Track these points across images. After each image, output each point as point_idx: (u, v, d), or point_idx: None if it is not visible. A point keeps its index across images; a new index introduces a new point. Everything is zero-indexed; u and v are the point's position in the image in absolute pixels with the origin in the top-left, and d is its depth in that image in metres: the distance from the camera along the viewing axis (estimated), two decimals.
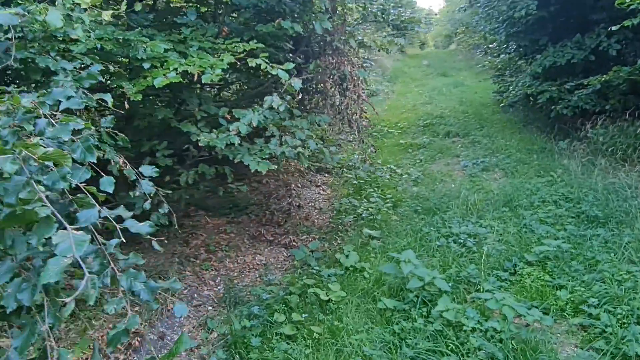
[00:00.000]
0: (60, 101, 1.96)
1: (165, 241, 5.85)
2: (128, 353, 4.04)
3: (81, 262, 1.40)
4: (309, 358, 3.92)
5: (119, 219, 2.01)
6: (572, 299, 4.24)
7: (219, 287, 5.28)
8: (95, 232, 1.85)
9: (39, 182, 1.51)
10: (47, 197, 1.66)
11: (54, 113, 1.91)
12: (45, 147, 1.65)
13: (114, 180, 1.93)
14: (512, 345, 3.61)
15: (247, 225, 6.82)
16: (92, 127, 1.94)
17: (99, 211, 1.74)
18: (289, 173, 8.91)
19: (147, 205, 3.18)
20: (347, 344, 4.00)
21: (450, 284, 4.54)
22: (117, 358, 3.85)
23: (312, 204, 8.00)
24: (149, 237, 2.12)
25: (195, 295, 5.10)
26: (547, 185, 7.31)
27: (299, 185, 8.65)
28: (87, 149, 1.80)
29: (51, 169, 1.58)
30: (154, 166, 3.33)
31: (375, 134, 12.29)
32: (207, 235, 6.25)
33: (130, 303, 4.54)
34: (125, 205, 4.36)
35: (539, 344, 3.63)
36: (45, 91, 1.98)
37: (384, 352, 3.80)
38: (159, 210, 3.39)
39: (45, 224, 1.43)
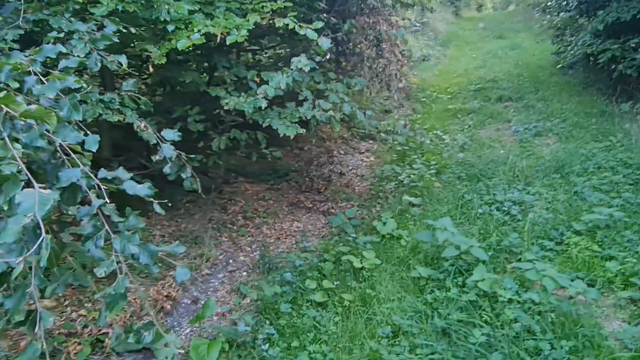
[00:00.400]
0: (54, 58, 1.90)
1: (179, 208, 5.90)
2: (160, 316, 4.10)
3: (40, 222, 1.34)
4: (338, 326, 3.85)
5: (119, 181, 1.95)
6: (622, 270, 3.94)
7: (254, 254, 5.27)
8: (89, 193, 1.80)
9: (16, 140, 1.45)
10: (35, 156, 1.61)
11: (49, 71, 1.86)
12: (30, 105, 1.59)
13: (98, 139, 1.86)
14: (551, 318, 3.39)
15: (287, 192, 6.78)
16: (83, 84, 1.88)
17: (83, 171, 1.68)
18: (331, 140, 8.77)
19: (167, 169, 3.15)
20: (377, 312, 3.90)
21: (489, 253, 4.33)
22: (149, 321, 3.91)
23: (354, 171, 7.86)
24: (150, 199, 2.06)
25: (231, 260, 5.12)
26: (605, 150, 6.84)
27: (342, 152, 8.51)
28: (73, 107, 1.73)
29: (34, 127, 1.53)
30: (176, 130, 3.28)
31: (424, 99, 11.90)
32: (246, 201, 6.24)
33: (161, 269, 4.57)
34: (159, 171, 4.35)
35: (581, 317, 3.39)
36: (37, 48, 1.93)
37: (415, 321, 3.67)
38: (182, 174, 3.34)
39: (12, 182, 1.38)
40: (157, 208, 2.09)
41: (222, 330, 3.90)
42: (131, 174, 1.98)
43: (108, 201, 1.75)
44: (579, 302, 3.59)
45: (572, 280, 3.69)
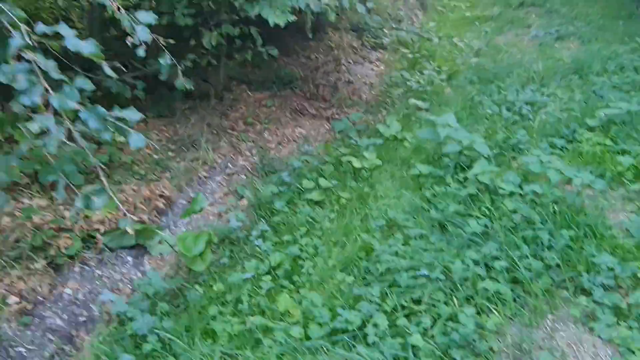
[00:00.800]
0: None
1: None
2: (153, 214, 4.04)
3: None
4: (333, 222, 3.75)
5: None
6: (635, 164, 3.70)
7: (254, 158, 5.14)
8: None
9: None
10: None
11: None
12: None
13: None
14: (554, 208, 3.22)
15: (291, 99, 6.54)
16: None
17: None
18: (340, 49, 8.38)
19: (141, 51, 2.94)
20: (374, 208, 3.77)
21: (494, 151, 4.12)
22: (141, 217, 3.86)
23: (363, 79, 7.54)
24: (100, 61, 1.88)
25: (229, 164, 5.01)
26: (630, 52, 6.38)
27: (350, 61, 8.14)
28: None
29: None
30: (151, 11, 3.04)
31: (441, 8, 11.27)
32: (247, 108, 6.05)
33: (156, 170, 4.44)
34: (154, 75, 4.13)
35: (585, 208, 3.22)
36: None
37: (411, 216, 3.53)
38: (160, 60, 3.14)
39: None
40: (108, 70, 1.91)
41: (214, 227, 3.85)
42: (73, 30, 1.79)
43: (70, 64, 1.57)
44: (584, 194, 3.40)
45: (578, 172, 3.48)
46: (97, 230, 3.67)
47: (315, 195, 4.10)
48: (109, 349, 2.81)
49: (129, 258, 3.69)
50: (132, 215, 3.88)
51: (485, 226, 3.16)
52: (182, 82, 4.50)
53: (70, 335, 3.09)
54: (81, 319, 3.19)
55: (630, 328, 2.39)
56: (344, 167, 4.55)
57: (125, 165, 4.45)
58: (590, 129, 4.33)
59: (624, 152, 3.89)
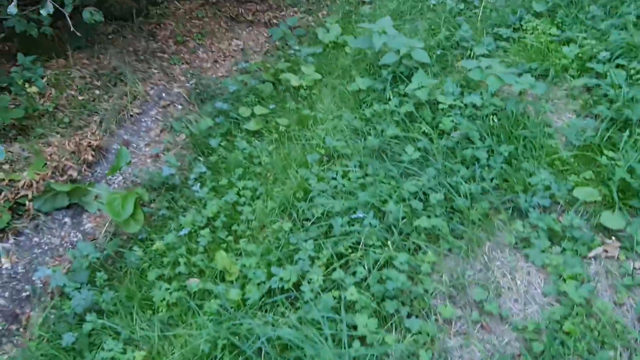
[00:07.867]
0: None
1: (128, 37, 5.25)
2: (84, 167, 3.81)
3: None
4: (272, 155, 3.58)
5: None
6: (580, 55, 3.50)
7: (190, 83, 4.81)
8: None
9: None
10: None
11: None
12: None
13: None
14: (492, 121, 3.08)
15: (224, 5, 6.01)
16: None
17: None
18: None
19: None
20: (314, 136, 3.59)
21: (436, 52, 3.88)
22: (71, 175, 3.64)
23: None
24: None
25: (164, 94, 4.68)
26: None
27: None
28: None
29: None
30: None
31: None
32: (177, 23, 5.56)
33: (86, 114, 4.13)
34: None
35: (525, 117, 3.08)
36: None
37: (351, 142, 3.37)
38: None
39: None
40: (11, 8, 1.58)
41: (150, 174, 3.66)
42: None
43: None
44: (525, 99, 3.25)
45: (520, 75, 3.29)
46: (26, 196, 3.47)
47: (252, 125, 3.89)
48: (52, 326, 2.77)
49: (66, 219, 3.53)
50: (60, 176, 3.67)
51: (426, 151, 3.02)
52: (89, 13, 4.09)
53: (15, 313, 3.02)
54: (24, 294, 3.11)
55: (563, 251, 2.38)
56: (284, 85, 4.28)
57: (48, 114, 4.12)
58: (537, 15, 4.05)
59: (568, 42, 3.67)
